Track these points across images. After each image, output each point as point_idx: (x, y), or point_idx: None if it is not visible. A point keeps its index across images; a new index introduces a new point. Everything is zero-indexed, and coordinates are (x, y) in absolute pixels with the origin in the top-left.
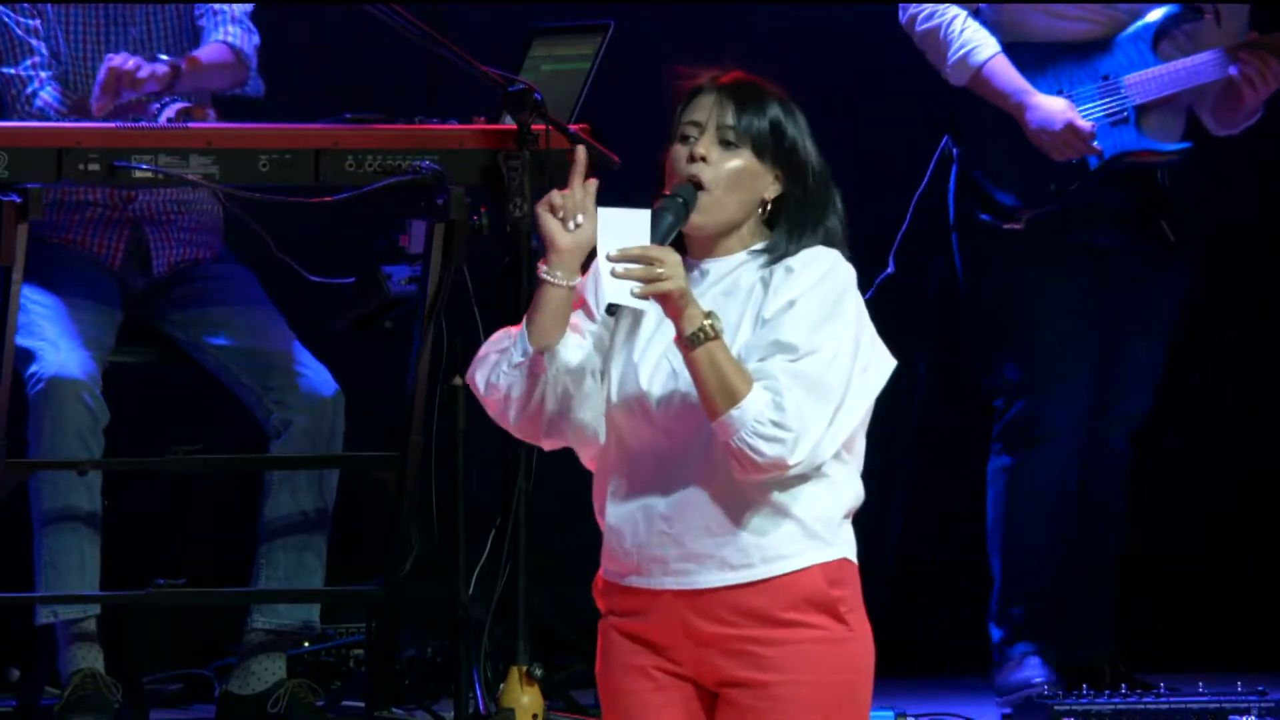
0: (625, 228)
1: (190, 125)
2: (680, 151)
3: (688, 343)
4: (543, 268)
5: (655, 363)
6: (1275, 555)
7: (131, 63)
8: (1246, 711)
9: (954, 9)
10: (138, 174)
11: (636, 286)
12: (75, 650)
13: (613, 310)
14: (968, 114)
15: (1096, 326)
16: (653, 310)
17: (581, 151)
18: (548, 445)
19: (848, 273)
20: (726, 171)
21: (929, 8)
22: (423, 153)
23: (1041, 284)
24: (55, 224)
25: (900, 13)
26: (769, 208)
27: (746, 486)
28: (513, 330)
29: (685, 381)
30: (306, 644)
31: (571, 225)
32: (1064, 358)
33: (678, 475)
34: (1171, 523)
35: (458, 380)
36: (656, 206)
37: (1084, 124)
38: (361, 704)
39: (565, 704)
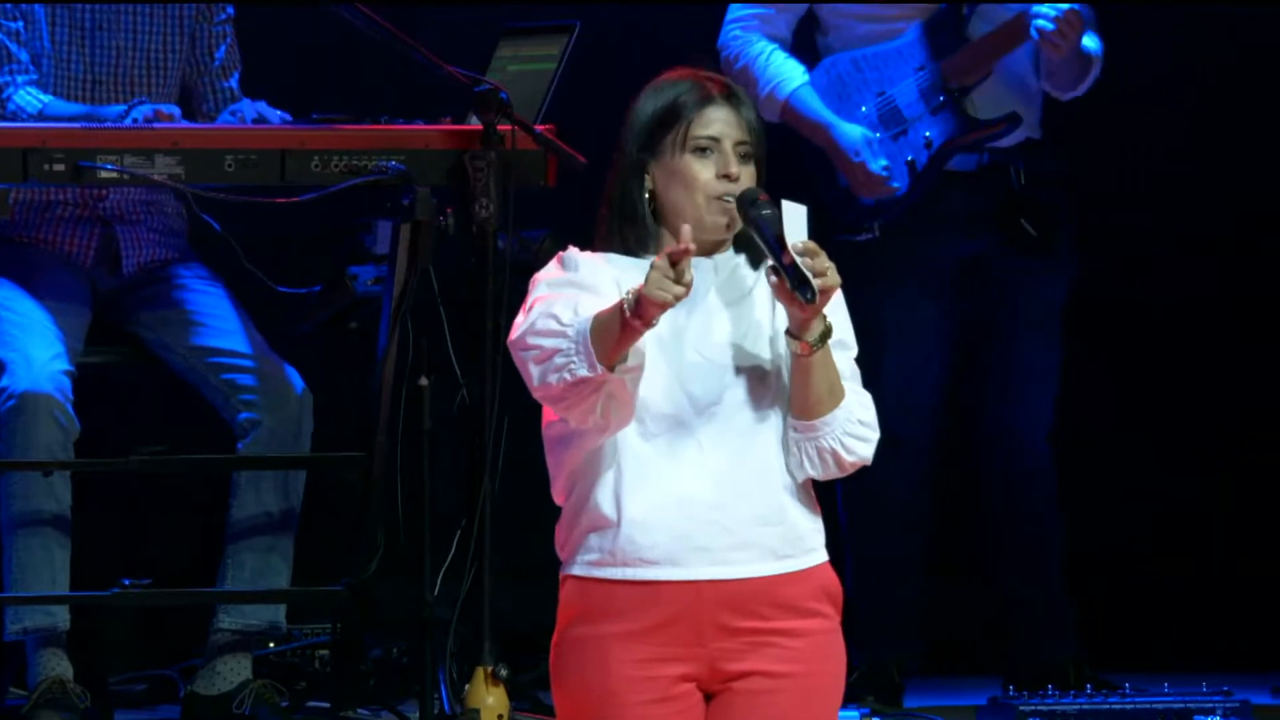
0: (796, 222)
1: (156, 126)
2: (699, 166)
3: (814, 344)
4: (638, 324)
5: (697, 358)
6: (1238, 555)
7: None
8: (1211, 712)
9: (760, 43)
10: (103, 174)
11: (818, 280)
12: (44, 659)
13: (811, 298)
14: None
15: (942, 341)
16: (676, 310)
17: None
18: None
19: None
20: (749, 184)
21: (737, 47)
22: (389, 153)
23: (881, 303)
24: (26, 223)
25: (720, 56)
26: None
27: (783, 480)
28: (566, 325)
29: (730, 375)
30: (272, 644)
31: (684, 285)
32: (902, 378)
33: (727, 466)
34: (1133, 523)
35: (424, 381)
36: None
37: (874, 167)
38: (327, 705)
39: (530, 704)
